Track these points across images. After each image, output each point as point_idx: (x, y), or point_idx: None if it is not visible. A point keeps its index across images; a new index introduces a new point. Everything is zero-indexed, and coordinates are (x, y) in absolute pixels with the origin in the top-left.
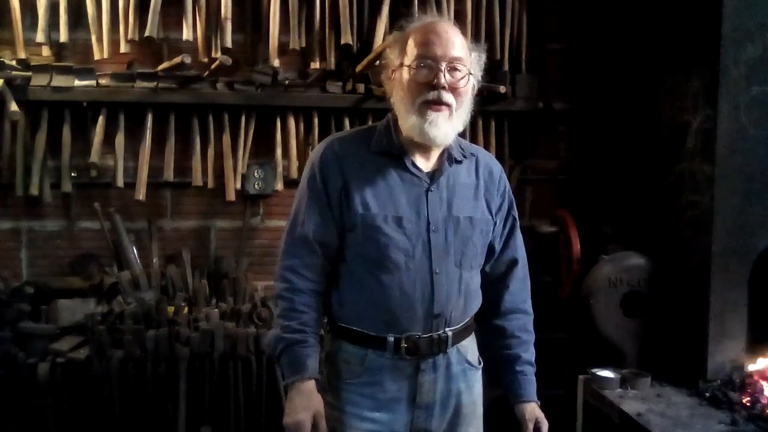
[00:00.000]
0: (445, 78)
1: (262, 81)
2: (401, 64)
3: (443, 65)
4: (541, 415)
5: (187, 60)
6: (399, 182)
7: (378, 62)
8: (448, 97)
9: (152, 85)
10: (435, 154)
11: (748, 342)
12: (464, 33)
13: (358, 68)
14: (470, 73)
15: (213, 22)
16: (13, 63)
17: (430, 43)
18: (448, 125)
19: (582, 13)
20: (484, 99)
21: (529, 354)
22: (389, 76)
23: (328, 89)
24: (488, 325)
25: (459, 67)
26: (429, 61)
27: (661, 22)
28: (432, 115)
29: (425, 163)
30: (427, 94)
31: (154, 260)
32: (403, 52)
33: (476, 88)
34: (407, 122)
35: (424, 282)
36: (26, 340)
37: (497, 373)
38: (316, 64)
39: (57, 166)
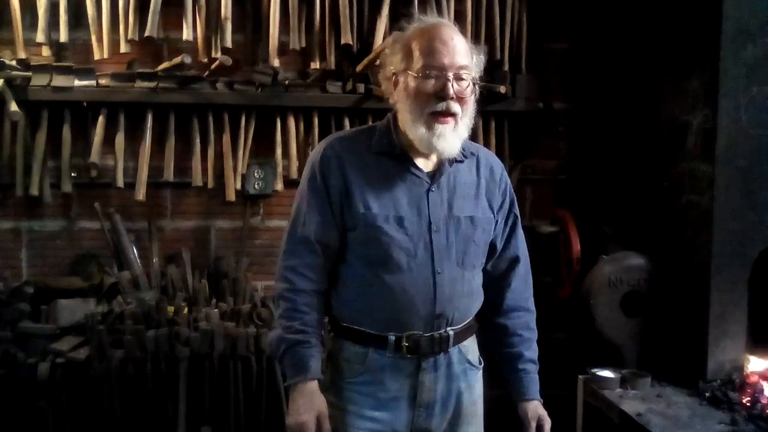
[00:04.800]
0: (452, 88)
1: (262, 81)
2: (405, 70)
3: (450, 75)
4: (543, 413)
5: (187, 60)
6: (400, 182)
7: (378, 62)
8: (455, 107)
9: (152, 85)
10: (436, 155)
11: (748, 342)
12: (464, 33)
13: (358, 68)
14: (474, 81)
15: (213, 22)
16: (13, 63)
17: (436, 52)
18: (454, 136)
19: (582, 13)
20: (484, 99)
21: (532, 352)
22: (388, 77)
23: (328, 89)
24: (490, 323)
25: (464, 75)
26: (436, 71)
27: (661, 22)
28: (439, 128)
29: (426, 163)
30: (435, 105)
31: (154, 260)
32: (407, 57)
33: (478, 91)
34: (415, 133)
35: (427, 282)
36: (26, 340)
37: (500, 371)
38: (316, 64)
39: (57, 166)
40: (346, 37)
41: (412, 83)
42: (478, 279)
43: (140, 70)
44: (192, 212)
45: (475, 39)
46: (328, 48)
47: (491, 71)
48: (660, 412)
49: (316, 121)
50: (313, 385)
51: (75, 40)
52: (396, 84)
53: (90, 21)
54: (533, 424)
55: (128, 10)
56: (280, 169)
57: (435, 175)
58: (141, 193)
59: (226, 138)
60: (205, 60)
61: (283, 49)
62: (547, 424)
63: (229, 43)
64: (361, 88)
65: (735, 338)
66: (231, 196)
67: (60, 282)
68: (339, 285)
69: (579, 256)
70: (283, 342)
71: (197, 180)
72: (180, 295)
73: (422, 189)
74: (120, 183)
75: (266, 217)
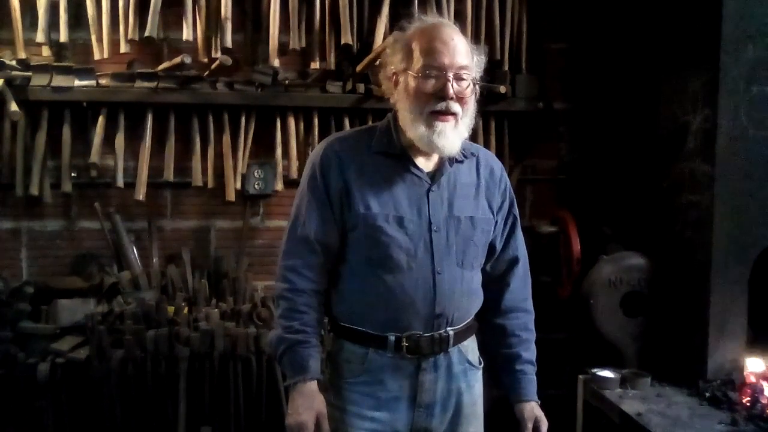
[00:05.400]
0: (452, 88)
1: (262, 81)
2: (405, 70)
3: (450, 75)
4: (540, 414)
5: (187, 60)
6: (400, 182)
7: (378, 62)
8: (455, 107)
9: (152, 85)
10: (436, 155)
11: (748, 342)
12: (464, 33)
13: (358, 68)
14: (474, 81)
15: (213, 22)
16: (13, 63)
17: (436, 52)
18: (455, 134)
19: (582, 13)
20: (484, 99)
21: (530, 353)
22: (388, 77)
23: (328, 89)
24: (489, 324)
25: (465, 75)
26: (436, 71)
27: (661, 22)
28: (440, 126)
29: (426, 163)
30: (435, 104)
31: (154, 260)
32: (407, 57)
33: (478, 91)
34: (415, 132)
35: (426, 282)
36: (26, 340)
37: (497, 371)
38: (316, 64)
39: (57, 166)
40: (346, 37)
41: (412, 83)
42: (477, 279)
43: (140, 70)
44: (192, 212)
45: (475, 39)
46: (328, 48)
47: (491, 71)
48: (660, 412)
49: (316, 121)
50: (313, 385)
51: (75, 40)
52: (396, 84)
53: (90, 21)
54: (530, 425)
55: (128, 10)
56: (280, 169)
57: (435, 175)
58: (141, 193)
59: (226, 138)
60: (205, 60)
61: (283, 49)
62: (544, 425)
63: (229, 43)
64: (361, 88)
65: (735, 338)
66: (231, 196)
67: (60, 282)
68: (339, 285)
69: (579, 256)
70: (282, 342)
71: (197, 180)
72: (180, 295)
73: (422, 189)
74: (120, 183)
75: (266, 217)
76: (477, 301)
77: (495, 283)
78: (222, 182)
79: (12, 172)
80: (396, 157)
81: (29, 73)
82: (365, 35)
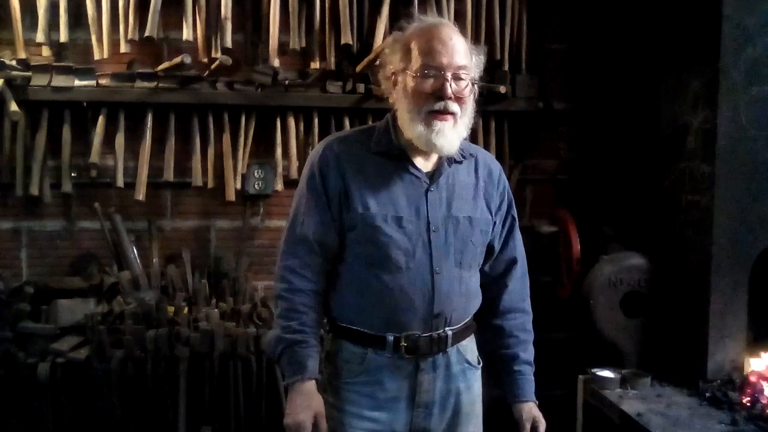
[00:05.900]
0: (451, 88)
1: (262, 81)
2: (404, 69)
3: (449, 75)
4: (538, 414)
5: (187, 60)
6: (399, 182)
7: (378, 62)
8: (453, 106)
9: (152, 85)
10: (435, 155)
11: (748, 342)
12: (464, 33)
13: (358, 68)
14: (473, 81)
15: (213, 22)
16: (13, 63)
17: (434, 52)
18: (453, 134)
19: (582, 13)
20: (484, 99)
21: (528, 353)
22: (387, 77)
23: (328, 89)
24: (487, 325)
25: (463, 75)
26: (434, 71)
27: (661, 22)
28: (438, 125)
29: (425, 164)
30: (434, 104)
31: (154, 260)
32: (406, 57)
33: (477, 91)
34: (413, 131)
35: (425, 282)
36: (26, 340)
37: (495, 372)
38: (316, 64)
39: (57, 166)
40: (346, 37)
41: (410, 83)
42: (476, 279)
43: (140, 70)
44: (192, 212)
45: (475, 39)
46: (328, 48)
47: (491, 71)
48: (660, 412)
49: (316, 121)
50: (311, 385)
51: (75, 40)
52: (395, 83)
53: (90, 21)
54: (528, 426)
55: (128, 10)
56: (280, 169)
57: (434, 175)
58: (141, 193)
59: (226, 138)
60: (205, 60)
61: (283, 49)
62: (542, 425)
63: (229, 43)
64: (361, 88)
65: (735, 338)
66: (231, 196)
67: (60, 282)
68: (338, 285)
69: (579, 256)
70: (280, 342)
71: (197, 180)
72: (180, 295)
73: (421, 189)
74: (120, 183)
75: (266, 217)
76: (475, 301)
77: (493, 283)
78: (222, 182)
79: (12, 172)
80: (395, 157)
81: (29, 73)
82: (365, 35)
